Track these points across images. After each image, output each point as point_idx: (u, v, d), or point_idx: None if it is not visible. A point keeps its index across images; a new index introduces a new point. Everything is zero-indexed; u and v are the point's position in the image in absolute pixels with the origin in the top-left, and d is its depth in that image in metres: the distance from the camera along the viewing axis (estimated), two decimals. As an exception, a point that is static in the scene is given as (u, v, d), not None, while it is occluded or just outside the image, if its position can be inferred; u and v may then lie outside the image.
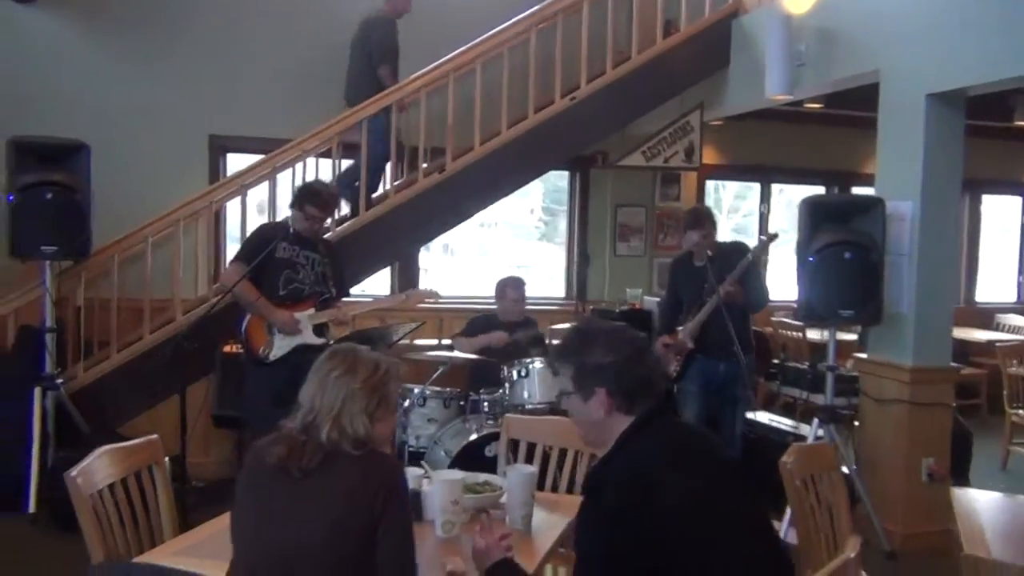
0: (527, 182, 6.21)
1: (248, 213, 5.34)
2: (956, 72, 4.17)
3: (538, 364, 4.56)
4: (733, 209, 9.25)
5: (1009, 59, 3.87)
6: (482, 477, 2.71)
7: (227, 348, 4.97)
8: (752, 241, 5.66)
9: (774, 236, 4.69)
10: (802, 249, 4.40)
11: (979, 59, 4.03)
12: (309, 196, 4.40)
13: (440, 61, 5.45)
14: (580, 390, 1.99)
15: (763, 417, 5.15)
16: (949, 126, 4.35)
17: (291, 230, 4.47)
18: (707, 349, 4.85)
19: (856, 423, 4.80)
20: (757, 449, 5.03)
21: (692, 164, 6.07)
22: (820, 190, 8.81)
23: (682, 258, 5.11)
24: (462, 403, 4.75)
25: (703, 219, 4.89)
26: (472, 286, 7.43)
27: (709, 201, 8.41)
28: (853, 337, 5.72)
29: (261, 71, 6.32)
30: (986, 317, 9.02)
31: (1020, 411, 5.93)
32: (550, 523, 2.55)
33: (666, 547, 1.75)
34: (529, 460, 3.16)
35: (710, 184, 8.41)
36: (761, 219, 8.58)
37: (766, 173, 8.46)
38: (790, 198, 8.81)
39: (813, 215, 4.40)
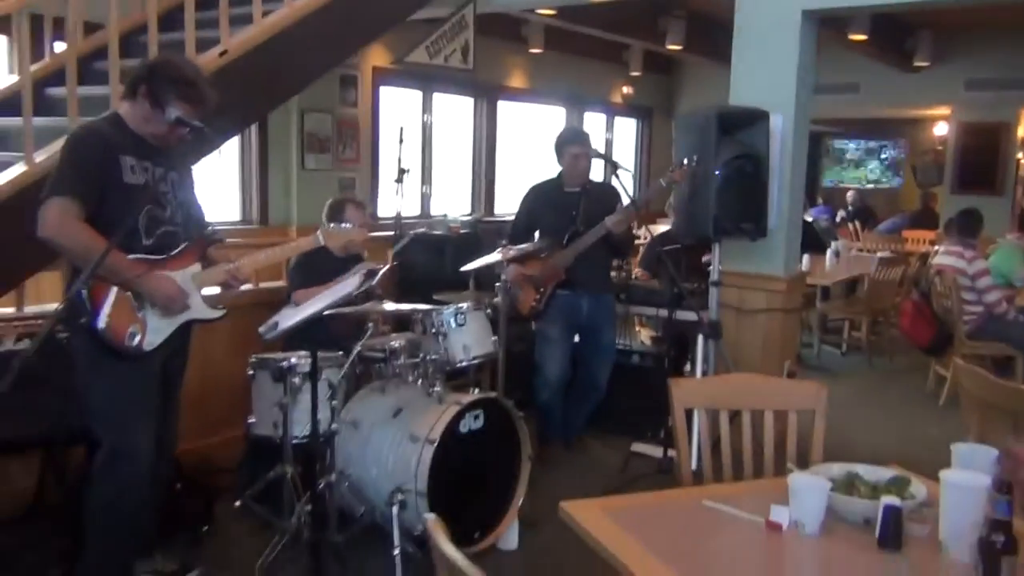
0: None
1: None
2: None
3: (471, 308, 3.64)
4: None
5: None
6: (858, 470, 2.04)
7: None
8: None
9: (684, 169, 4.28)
10: (706, 162, 4.20)
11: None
12: (178, 84, 2.74)
13: None
14: None
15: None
16: (812, 41, 4.54)
17: (128, 131, 2.78)
18: (573, 283, 4.43)
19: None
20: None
21: (467, 65, 5.35)
22: (470, 101, 8.63)
23: (547, 183, 4.53)
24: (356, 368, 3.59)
25: (586, 135, 4.41)
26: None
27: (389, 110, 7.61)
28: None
29: None
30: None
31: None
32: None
33: None
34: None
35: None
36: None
37: (428, 81, 7.94)
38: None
39: (717, 128, 4.22)
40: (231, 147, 6.56)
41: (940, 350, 5.96)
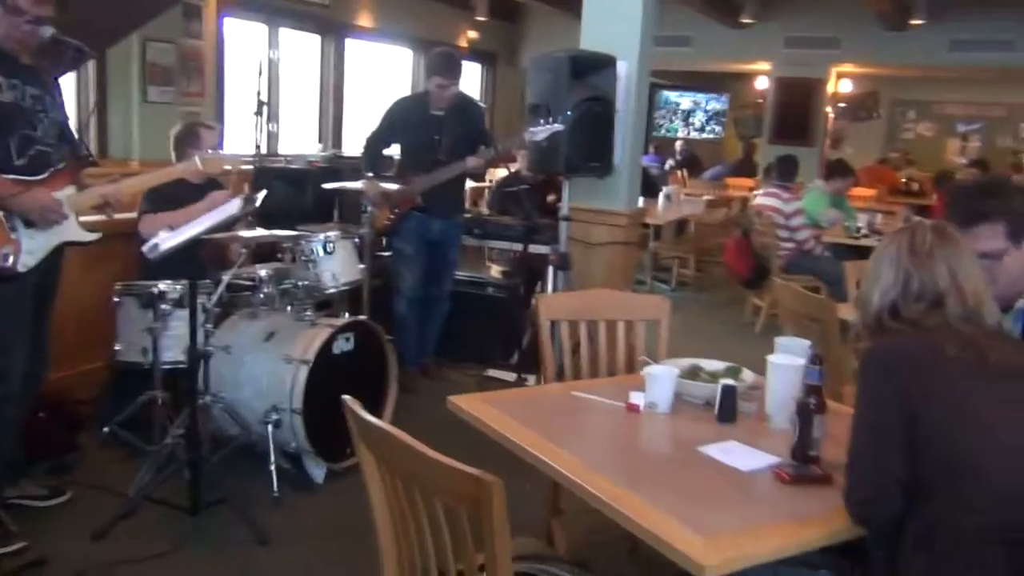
0: None
1: None
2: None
3: (340, 237, 3.76)
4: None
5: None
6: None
7: None
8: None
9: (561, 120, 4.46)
10: (559, 102, 4.46)
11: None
12: None
13: None
14: (1018, 240, 2.00)
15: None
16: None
17: None
18: (426, 208, 4.64)
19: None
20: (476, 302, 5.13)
21: (323, 0, 5.34)
22: (317, 39, 8.53)
23: (413, 100, 4.67)
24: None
25: (457, 68, 4.55)
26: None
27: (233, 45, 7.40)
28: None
29: None
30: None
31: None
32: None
33: None
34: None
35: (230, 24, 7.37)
36: (272, 66, 7.90)
37: (274, 15, 7.78)
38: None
39: (570, 71, 4.48)
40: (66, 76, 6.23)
41: (757, 283, 6.60)
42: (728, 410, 2.13)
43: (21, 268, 2.71)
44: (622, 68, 4.74)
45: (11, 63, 2.72)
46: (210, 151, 3.24)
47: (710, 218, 7.81)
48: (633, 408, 2.18)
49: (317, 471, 3.44)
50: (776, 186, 6.45)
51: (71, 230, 2.84)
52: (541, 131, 4.31)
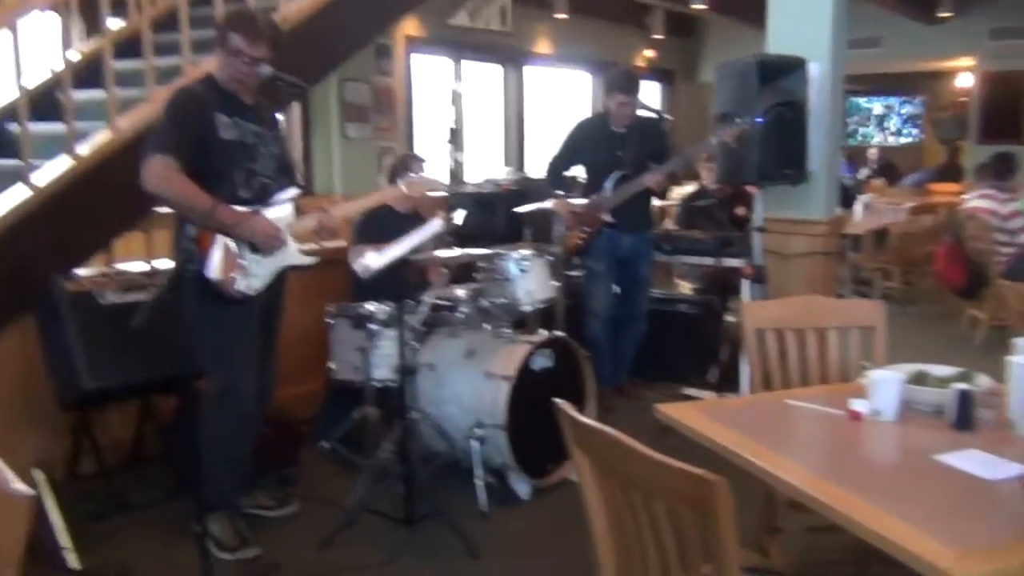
0: None
1: None
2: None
3: (533, 255, 3.83)
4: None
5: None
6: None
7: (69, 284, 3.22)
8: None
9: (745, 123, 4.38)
10: (748, 108, 4.35)
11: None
12: (238, 23, 2.94)
13: None
14: None
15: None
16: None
17: (220, 90, 2.98)
18: (616, 224, 4.62)
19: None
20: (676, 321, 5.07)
21: (506, 28, 5.49)
22: (499, 69, 8.78)
23: (594, 119, 4.72)
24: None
25: (634, 84, 4.56)
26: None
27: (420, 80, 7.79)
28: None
29: None
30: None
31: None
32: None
33: None
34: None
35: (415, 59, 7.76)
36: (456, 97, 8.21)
37: (458, 49, 8.10)
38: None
39: (758, 76, 4.36)
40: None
41: (974, 292, 6.11)
42: (965, 416, 1.97)
43: (250, 292, 2.94)
44: (814, 70, 4.56)
45: (234, 103, 2.98)
46: (412, 176, 3.40)
47: (915, 226, 7.32)
48: (856, 416, 2.06)
49: (522, 487, 3.49)
50: (991, 186, 5.97)
51: (292, 255, 3.06)
52: (727, 132, 4.22)
